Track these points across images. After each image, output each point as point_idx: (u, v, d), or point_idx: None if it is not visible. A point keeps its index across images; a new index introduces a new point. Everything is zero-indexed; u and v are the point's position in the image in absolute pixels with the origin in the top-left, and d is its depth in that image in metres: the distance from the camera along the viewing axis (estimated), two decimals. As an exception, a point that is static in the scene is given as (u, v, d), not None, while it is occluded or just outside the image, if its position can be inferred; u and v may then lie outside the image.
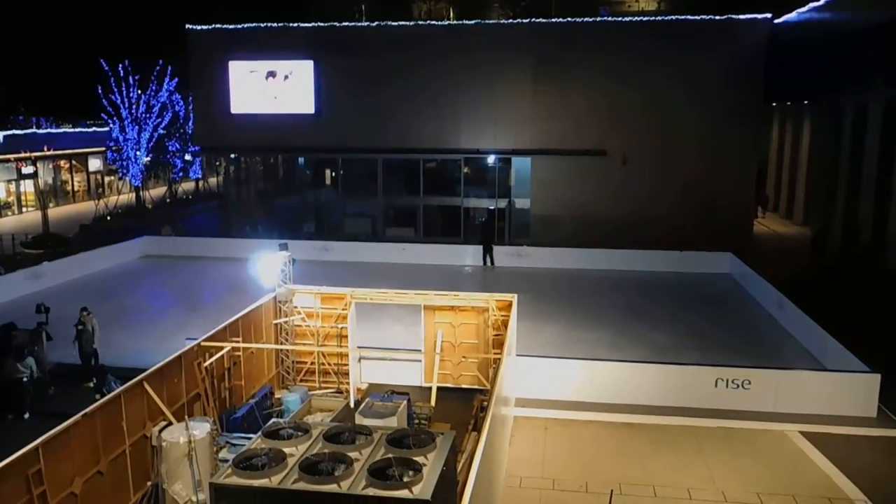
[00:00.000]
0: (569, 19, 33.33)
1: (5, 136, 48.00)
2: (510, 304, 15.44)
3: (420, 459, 8.91)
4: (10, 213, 49.68)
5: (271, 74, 36.28)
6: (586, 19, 33.51)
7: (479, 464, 8.52)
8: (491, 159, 35.86)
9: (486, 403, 12.72)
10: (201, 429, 10.94)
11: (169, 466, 10.64)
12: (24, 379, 15.87)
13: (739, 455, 13.91)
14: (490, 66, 33.67)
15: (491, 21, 35.59)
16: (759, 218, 37.41)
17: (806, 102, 38.29)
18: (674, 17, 33.40)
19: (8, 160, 48.35)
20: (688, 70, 32.45)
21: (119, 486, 10.59)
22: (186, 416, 11.36)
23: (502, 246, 31.73)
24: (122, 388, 10.81)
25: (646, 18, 34.44)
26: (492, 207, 35.95)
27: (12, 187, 50.91)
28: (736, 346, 20.20)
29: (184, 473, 10.56)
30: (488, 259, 30.68)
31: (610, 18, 34.88)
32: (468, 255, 31.30)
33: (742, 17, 32.20)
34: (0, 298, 23.96)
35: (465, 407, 14.95)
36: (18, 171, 50.21)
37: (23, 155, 48.90)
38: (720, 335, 21.29)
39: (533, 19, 33.79)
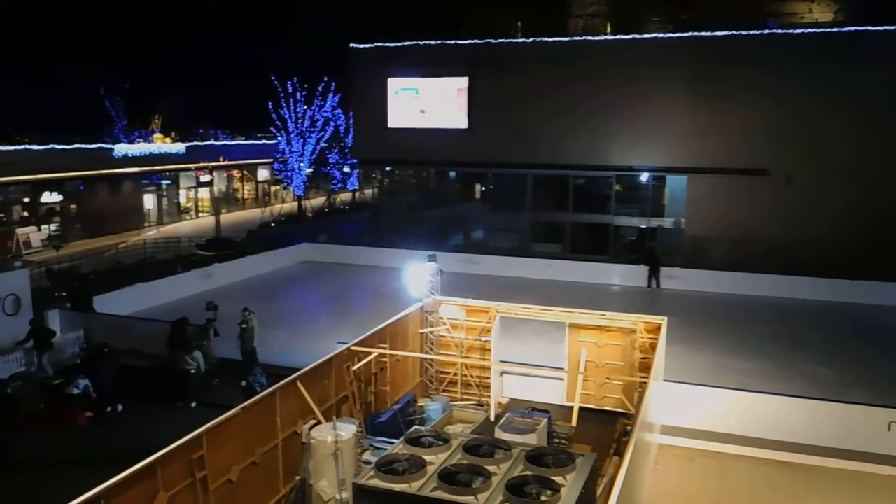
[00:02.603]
0: (731, 32, 31.90)
1: (188, 147, 52.52)
2: (659, 327, 14.90)
3: (559, 479, 8.78)
4: (188, 217, 54.23)
5: (426, 91, 37.45)
6: (751, 32, 31.94)
7: (620, 490, 8.25)
8: (644, 177, 34.93)
9: (629, 428, 12.34)
10: (347, 430, 11.32)
11: (316, 463, 11.09)
12: (192, 371, 17.19)
13: (913, 507, 12.62)
14: (645, 81, 32.82)
15: (648, 36, 34.71)
16: None
17: None
18: (851, 28, 31.12)
19: (189, 169, 52.86)
20: (861, 82, 30.02)
21: (270, 478, 11.16)
22: (334, 417, 11.81)
23: (645, 266, 30.65)
24: (277, 385, 11.39)
25: (819, 30, 32.25)
26: (643, 226, 34.99)
27: (191, 194, 55.56)
28: (913, 387, 18.36)
29: (329, 471, 10.97)
30: (654, 280, 29.76)
31: (779, 31, 32.94)
32: (616, 274, 30.59)
33: (932, 27, 29.45)
34: (176, 295, 26.07)
35: (607, 430, 14.57)
36: (197, 179, 54.83)
37: (201, 164, 53.33)
38: (894, 374, 19.44)
39: (693, 33, 32.66)
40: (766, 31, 32.56)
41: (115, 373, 16.79)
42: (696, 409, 15.41)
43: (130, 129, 56.67)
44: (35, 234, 39.93)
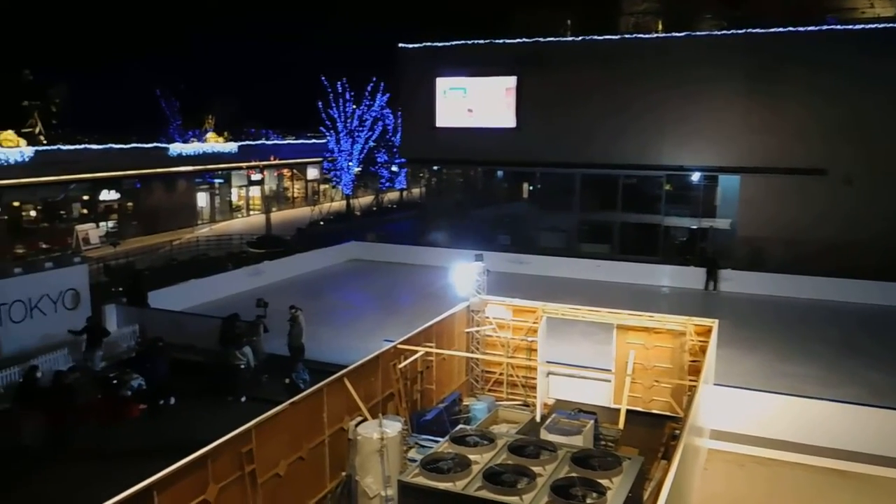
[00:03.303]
0: (788, 29, 31.15)
1: (240, 147, 53.49)
2: (710, 330, 14.63)
3: (605, 482, 8.70)
4: (239, 215, 55.23)
5: (474, 91, 37.50)
6: (808, 28, 31.13)
7: (668, 494, 8.13)
8: (695, 176, 34.34)
9: (677, 431, 12.16)
10: (393, 427, 11.40)
11: (362, 460, 11.19)
12: (242, 366, 17.50)
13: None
14: (698, 80, 32.28)
15: (701, 33, 34.11)
16: None
17: None
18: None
19: (240, 168, 53.84)
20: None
21: (317, 473, 11.30)
22: (380, 414, 11.91)
23: (702, 268, 30.12)
24: (324, 382, 11.52)
25: (881, 26, 31.23)
26: (694, 227, 34.42)
27: (243, 192, 56.60)
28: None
29: (375, 468, 11.06)
30: (711, 283, 29.10)
31: (838, 27, 32.01)
32: (666, 275, 30.13)
33: None
34: (226, 291, 26.62)
35: (654, 433, 14.37)
36: (248, 178, 55.79)
37: (253, 163, 54.25)
38: (958, 382, 18.73)
39: (748, 30, 31.98)
40: (825, 28, 31.70)
41: (168, 366, 17.21)
42: (747, 413, 15.10)
43: (185, 129, 58.04)
44: (94, 231, 41.16)
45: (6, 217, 36.98)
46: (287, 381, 16.47)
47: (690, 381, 14.57)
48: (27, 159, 37.14)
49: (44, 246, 38.77)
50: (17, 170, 36.50)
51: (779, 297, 27.58)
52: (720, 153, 32.66)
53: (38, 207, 40.42)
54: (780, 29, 31.31)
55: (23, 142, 39.43)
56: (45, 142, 45.71)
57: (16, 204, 38.65)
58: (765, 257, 30.91)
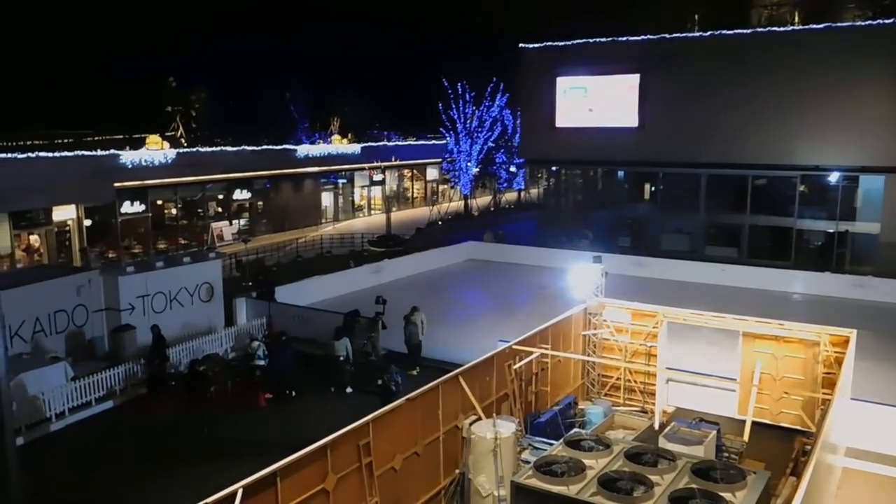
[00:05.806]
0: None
1: (362, 148, 55.07)
2: (847, 341, 13.68)
3: (727, 496, 8.32)
4: (361, 214, 56.83)
5: (595, 90, 36.89)
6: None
7: (796, 513, 7.69)
8: (833, 177, 32.23)
9: (808, 447, 11.47)
10: (507, 428, 11.39)
11: (475, 458, 11.25)
12: (341, 358, 17.99)
13: None
14: (838, 74, 30.25)
15: (844, 24, 31.95)
16: None
17: None
18: None
19: (363, 169, 55.41)
20: None
21: (431, 469, 11.46)
22: (494, 414, 11.92)
23: (841, 274, 28.18)
24: (440, 379, 11.66)
25: None
26: (831, 231, 32.31)
27: (365, 192, 58.23)
28: None
29: (488, 467, 11.10)
30: None
31: None
32: (798, 281, 28.43)
33: None
34: (349, 288, 27.43)
35: (782, 447, 13.61)
36: (370, 178, 57.33)
37: (375, 164, 55.70)
38: None
39: (897, 19, 29.70)
40: None
41: (292, 358, 17.96)
42: (890, 432, 14.01)
43: (312, 131, 60.41)
44: (227, 228, 43.58)
45: (150, 214, 39.74)
46: (380, 382, 16.84)
47: (824, 394, 13.71)
48: (170, 161, 39.74)
49: (182, 241, 41.45)
50: (161, 171, 39.16)
51: (928, 307, 25.45)
52: (862, 152, 30.48)
53: (179, 206, 43.19)
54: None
55: (166, 145, 42.21)
56: (185, 144, 48.77)
57: (159, 202, 41.48)
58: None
